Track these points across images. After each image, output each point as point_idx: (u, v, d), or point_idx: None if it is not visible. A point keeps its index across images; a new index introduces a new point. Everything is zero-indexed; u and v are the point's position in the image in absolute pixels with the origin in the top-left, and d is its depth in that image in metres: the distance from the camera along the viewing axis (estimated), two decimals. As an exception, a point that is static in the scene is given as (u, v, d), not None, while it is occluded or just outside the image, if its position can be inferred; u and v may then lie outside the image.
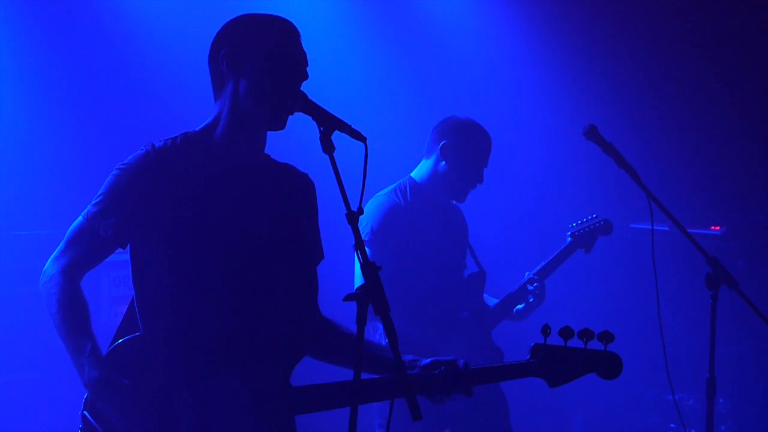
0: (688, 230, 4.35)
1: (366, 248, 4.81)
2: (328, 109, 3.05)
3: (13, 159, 6.30)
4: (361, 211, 2.92)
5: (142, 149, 3.27)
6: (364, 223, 4.96)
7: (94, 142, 6.46)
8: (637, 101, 7.56)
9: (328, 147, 2.98)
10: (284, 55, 3.27)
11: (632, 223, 6.41)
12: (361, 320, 2.84)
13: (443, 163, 5.08)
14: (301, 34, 3.35)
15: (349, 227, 2.90)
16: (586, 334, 3.30)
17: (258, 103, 3.24)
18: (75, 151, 6.43)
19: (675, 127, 7.53)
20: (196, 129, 3.34)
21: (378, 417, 5.13)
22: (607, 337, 3.32)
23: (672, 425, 6.85)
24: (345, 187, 2.93)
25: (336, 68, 7.15)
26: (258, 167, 3.37)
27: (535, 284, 5.28)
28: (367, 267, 2.87)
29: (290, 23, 3.36)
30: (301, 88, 3.19)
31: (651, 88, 7.54)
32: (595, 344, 3.34)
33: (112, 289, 5.89)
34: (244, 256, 3.28)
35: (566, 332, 3.30)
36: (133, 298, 3.31)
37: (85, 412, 3.18)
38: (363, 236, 4.90)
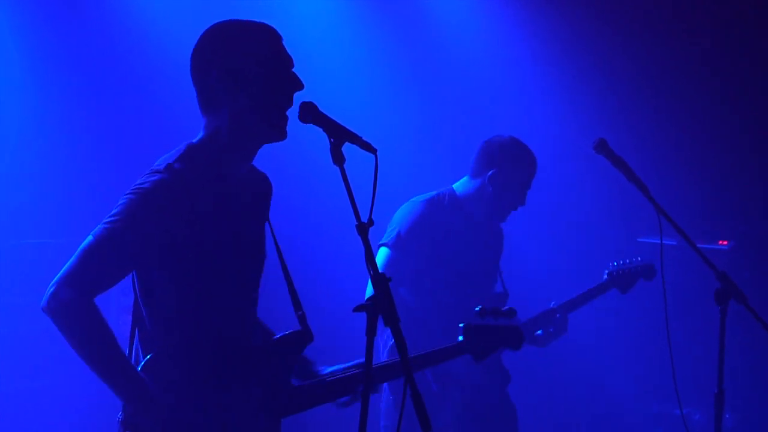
0: (697, 245, 4.35)
1: (389, 250, 4.90)
2: (337, 120, 3.06)
3: (19, 167, 6.31)
4: (371, 222, 2.92)
5: (162, 173, 3.18)
6: (393, 225, 4.99)
7: (102, 151, 6.47)
8: (645, 115, 7.55)
9: (338, 158, 2.99)
10: (277, 64, 3.29)
11: (639, 237, 6.41)
12: (371, 331, 2.85)
13: (490, 189, 5.08)
14: (293, 37, 3.39)
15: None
16: (495, 312, 3.88)
17: (260, 117, 3.25)
18: (81, 161, 6.44)
19: (681, 141, 7.53)
20: (196, 141, 3.31)
21: (383, 418, 5.12)
22: (511, 312, 3.92)
23: (677, 440, 6.83)
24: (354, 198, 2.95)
25: (342, 75, 7.16)
26: (250, 178, 3.42)
27: (557, 315, 5.30)
28: (378, 278, 2.87)
29: (273, 28, 3.36)
30: (310, 99, 3.15)
31: (660, 101, 7.54)
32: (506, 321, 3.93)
33: (121, 298, 5.86)
34: (249, 268, 3.36)
35: (482, 312, 3.88)
36: (140, 314, 3.28)
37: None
38: (388, 238, 4.93)
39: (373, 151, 3.00)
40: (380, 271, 4.82)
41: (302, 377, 3.52)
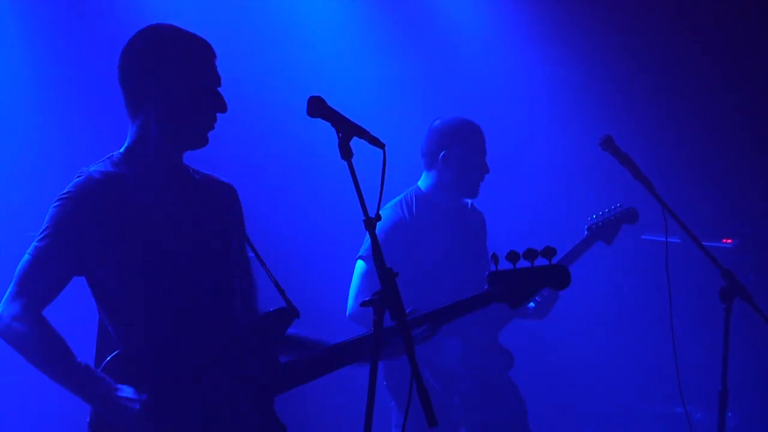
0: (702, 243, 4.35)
1: (363, 262, 4.92)
2: (345, 115, 3.05)
3: (29, 158, 6.32)
4: (378, 217, 2.92)
5: (79, 177, 3.26)
6: (368, 237, 4.98)
7: (105, 145, 6.46)
8: (650, 113, 7.55)
9: (346, 153, 2.99)
10: (195, 80, 3.30)
11: (643, 234, 6.40)
12: (378, 326, 2.85)
13: (448, 172, 5.10)
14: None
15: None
16: (530, 254, 3.44)
17: (171, 129, 3.31)
18: (87, 153, 6.42)
19: (686, 139, 7.52)
20: (120, 151, 3.36)
21: (395, 417, 5.12)
22: (549, 251, 3.44)
23: (679, 438, 6.83)
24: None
25: (349, 71, 7.16)
26: (184, 180, 3.41)
27: None
28: (384, 273, 2.88)
29: (204, 43, 3.38)
30: (319, 93, 3.14)
31: (665, 100, 7.53)
32: (541, 261, 3.49)
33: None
34: (197, 260, 3.32)
35: (513, 256, 3.44)
36: (101, 318, 3.31)
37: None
38: (363, 251, 4.96)
39: (381, 146, 3.00)
40: (357, 283, 4.89)
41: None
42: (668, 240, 4.42)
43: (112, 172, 3.28)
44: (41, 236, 3.18)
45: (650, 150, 6.76)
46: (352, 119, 3.04)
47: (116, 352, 3.21)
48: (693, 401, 6.34)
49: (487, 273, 3.54)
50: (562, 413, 7.18)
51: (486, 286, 3.54)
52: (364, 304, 2.93)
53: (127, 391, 3.11)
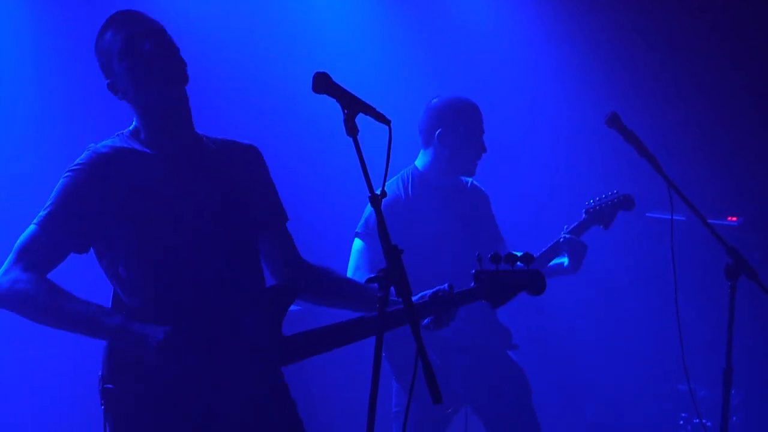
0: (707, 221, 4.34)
1: (359, 239, 4.93)
2: (351, 91, 3.05)
3: (37, 136, 6.32)
4: (384, 193, 2.93)
5: (87, 151, 3.31)
6: (364, 215, 5.02)
7: (117, 124, 6.47)
8: (655, 90, 7.52)
9: (351, 130, 2.98)
10: (132, 49, 3.32)
11: (648, 212, 6.39)
12: (383, 303, 2.86)
13: (444, 149, 5.10)
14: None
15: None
16: (510, 258, 3.60)
17: (142, 102, 3.36)
18: (104, 130, 6.42)
19: (691, 117, 7.50)
20: (130, 128, 3.43)
21: (396, 399, 5.14)
22: (527, 258, 3.62)
23: (683, 415, 6.84)
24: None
25: (354, 48, 7.14)
26: (193, 150, 3.43)
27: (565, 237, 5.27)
28: (389, 249, 2.88)
29: (128, 11, 3.43)
30: (325, 70, 3.11)
31: (670, 77, 7.51)
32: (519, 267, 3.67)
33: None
34: (207, 228, 3.34)
35: (496, 258, 3.58)
36: (114, 290, 3.34)
37: (107, 386, 3.19)
38: (359, 228, 4.97)
39: (387, 122, 3.00)
40: (354, 260, 4.90)
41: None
42: (673, 218, 4.42)
43: (120, 146, 3.33)
44: (47, 206, 3.23)
45: (656, 127, 6.74)
46: (357, 95, 3.03)
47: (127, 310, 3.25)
48: (697, 379, 6.37)
49: (473, 271, 3.67)
50: (565, 390, 7.20)
51: (472, 284, 3.67)
52: (370, 280, 2.94)
53: (146, 327, 3.13)
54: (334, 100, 3.04)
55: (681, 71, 7.49)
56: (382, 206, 4.84)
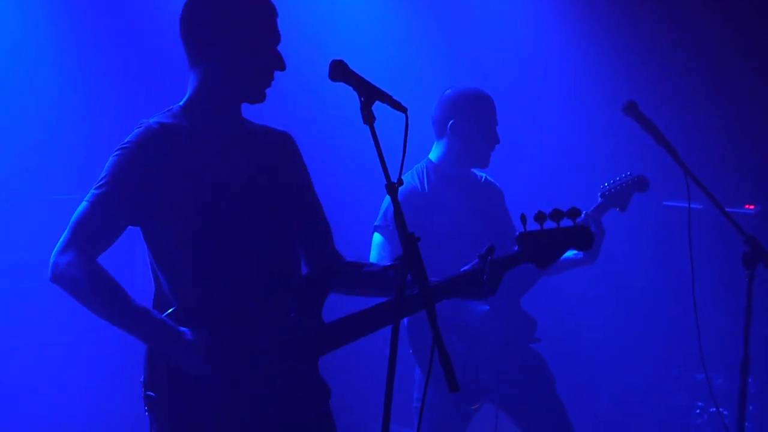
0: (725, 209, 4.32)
1: (378, 233, 4.92)
2: (368, 79, 3.04)
3: (50, 122, 6.34)
4: (401, 182, 2.92)
5: (138, 129, 3.29)
6: (381, 208, 5.01)
7: (135, 105, 6.48)
8: (672, 79, 7.50)
9: (368, 118, 2.97)
10: (262, 36, 3.31)
11: (666, 200, 6.38)
12: (400, 290, 2.85)
13: (457, 140, 5.08)
14: (277, 11, 3.37)
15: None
16: (556, 215, 3.46)
17: (230, 84, 3.32)
18: (116, 114, 6.45)
19: (708, 104, 7.48)
20: (180, 103, 3.40)
21: (417, 392, 5.13)
22: (574, 212, 3.48)
23: (700, 404, 6.83)
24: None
25: (371, 44, 7.13)
26: (241, 132, 3.42)
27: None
28: (406, 238, 2.88)
29: (270, 2, 3.38)
30: (341, 58, 3.13)
31: (687, 66, 7.48)
32: (566, 222, 3.54)
33: (145, 256, 5.90)
34: (252, 214, 3.34)
35: (540, 216, 3.46)
36: (155, 273, 3.34)
37: (148, 393, 3.21)
38: (378, 221, 4.96)
39: (403, 110, 2.99)
40: (375, 253, 4.89)
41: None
42: (691, 206, 4.41)
43: (171, 123, 3.31)
44: (98, 185, 3.21)
45: (673, 116, 6.73)
46: (374, 83, 3.02)
47: (170, 309, 3.24)
48: (714, 368, 6.34)
49: (517, 233, 3.57)
50: (580, 379, 7.19)
51: (516, 247, 3.57)
52: (386, 269, 2.94)
53: (190, 334, 3.15)
54: (351, 88, 3.03)
55: (697, 58, 7.46)
56: (399, 198, 4.91)
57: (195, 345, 3.13)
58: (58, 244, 3.19)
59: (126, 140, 3.27)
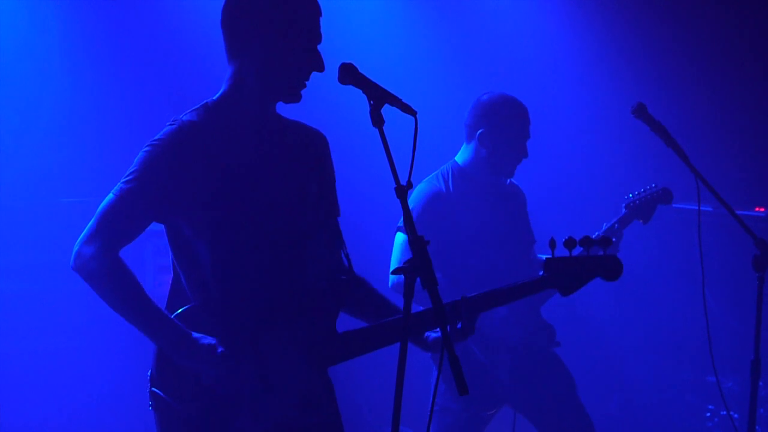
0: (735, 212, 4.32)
1: (402, 234, 4.90)
2: (377, 82, 3.04)
3: (62, 125, 6.35)
4: (410, 185, 2.91)
5: (171, 125, 3.27)
6: None
7: (145, 109, 6.51)
8: (682, 81, 7.49)
9: (377, 120, 2.97)
10: (304, 35, 3.28)
11: (675, 203, 6.37)
12: (409, 294, 2.85)
13: (484, 149, 5.04)
14: (321, 11, 3.34)
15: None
16: (586, 242, 3.49)
17: (267, 81, 3.29)
18: (125, 118, 6.47)
19: (718, 107, 7.47)
20: (215, 98, 3.37)
21: (449, 399, 5.06)
22: (605, 242, 3.50)
23: (710, 407, 6.82)
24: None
25: (382, 44, 7.14)
26: (276, 128, 3.40)
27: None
28: (416, 241, 2.87)
29: (315, 1, 3.35)
30: (351, 61, 3.12)
31: (697, 67, 7.47)
32: (595, 250, 3.55)
33: (155, 259, 5.93)
34: (279, 216, 3.32)
35: (570, 243, 3.48)
36: (175, 270, 3.34)
37: (153, 389, 3.21)
38: (401, 221, 4.94)
39: (413, 113, 2.99)
40: (398, 254, 4.88)
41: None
42: (701, 208, 4.40)
43: (204, 121, 3.28)
44: (127, 178, 3.20)
45: (682, 118, 6.72)
46: (383, 86, 3.02)
47: (187, 306, 3.24)
48: (725, 370, 6.33)
49: (544, 258, 3.57)
50: (591, 382, 7.18)
51: (541, 272, 3.56)
52: (395, 271, 2.93)
53: (202, 338, 3.15)
54: (360, 91, 3.03)
55: (707, 60, 7.45)
56: (424, 200, 4.95)
57: (206, 352, 3.14)
58: (83, 233, 3.20)
59: (158, 136, 3.25)
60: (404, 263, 2.88)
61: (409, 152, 2.92)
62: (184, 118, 3.28)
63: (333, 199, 3.56)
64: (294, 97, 3.34)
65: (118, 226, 3.19)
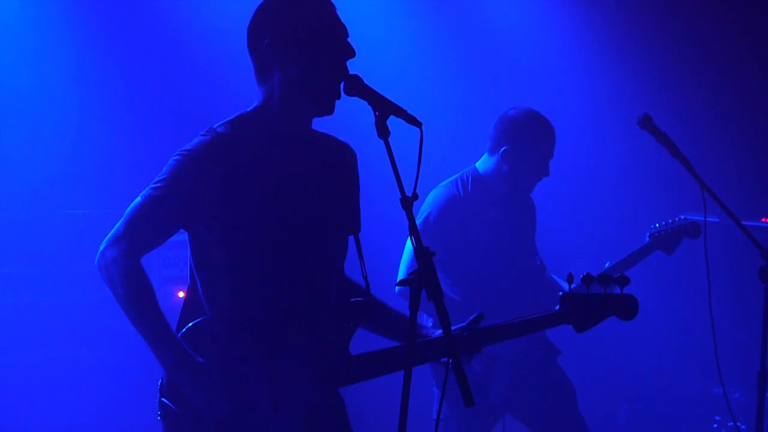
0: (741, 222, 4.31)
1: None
2: (383, 94, 3.04)
3: (67, 137, 6.36)
4: (416, 196, 2.91)
5: (203, 135, 3.27)
6: (422, 212, 5.01)
7: (149, 122, 6.52)
8: (687, 92, 7.49)
9: (383, 132, 2.97)
10: (328, 38, 3.27)
11: (682, 213, 6.37)
12: (414, 305, 2.84)
13: (505, 166, 5.03)
14: (341, 9, 3.34)
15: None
16: (604, 280, 3.49)
17: (306, 91, 3.27)
18: (129, 131, 6.48)
19: (724, 118, 7.47)
20: (249, 110, 3.36)
21: (447, 408, 5.05)
22: (623, 280, 3.49)
23: (717, 417, 6.80)
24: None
25: (387, 54, 7.15)
26: (307, 142, 3.39)
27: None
28: (421, 252, 2.86)
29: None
30: (356, 73, 3.15)
31: (702, 77, 7.47)
32: (613, 288, 3.54)
33: (162, 270, 5.93)
34: (306, 232, 3.31)
35: (588, 279, 3.50)
36: (193, 280, 3.34)
37: (163, 399, 3.21)
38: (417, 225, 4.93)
39: (418, 124, 2.98)
40: (406, 260, 4.88)
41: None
42: (707, 219, 4.40)
43: (235, 133, 3.28)
44: (155, 185, 3.22)
45: (689, 128, 6.72)
46: (389, 98, 3.03)
47: (201, 318, 3.24)
48: (732, 381, 6.32)
49: (560, 293, 3.56)
50: (599, 391, 7.17)
51: (557, 307, 3.56)
52: (400, 283, 2.92)
53: (203, 367, 3.14)
54: (366, 103, 3.03)
55: (713, 71, 7.45)
56: (439, 204, 4.95)
57: (201, 381, 3.13)
58: (111, 233, 3.23)
59: (189, 145, 3.26)
60: (409, 274, 2.87)
61: (414, 162, 2.92)
62: (217, 129, 3.29)
63: (355, 214, 3.55)
64: (328, 107, 3.31)
65: (142, 231, 3.22)
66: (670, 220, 5.40)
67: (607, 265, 5.30)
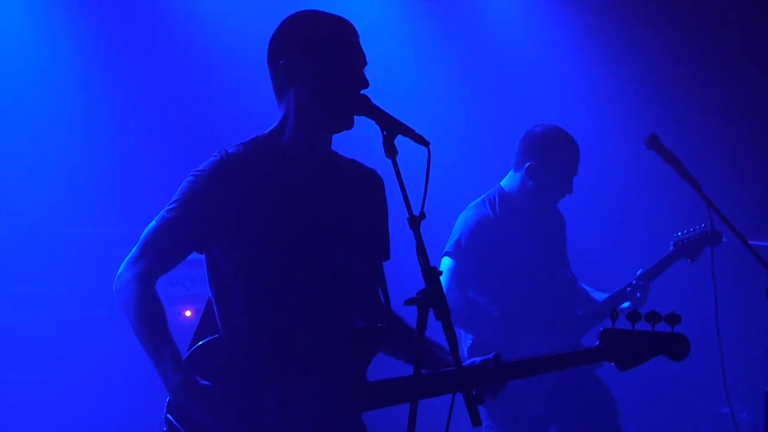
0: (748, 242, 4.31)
1: (451, 259, 4.91)
2: (390, 113, 3.04)
3: (75, 156, 6.38)
4: (423, 215, 2.90)
5: (216, 156, 3.27)
6: (454, 233, 5.04)
7: (156, 140, 6.53)
8: (695, 110, 7.49)
9: (390, 151, 2.96)
10: (344, 60, 3.25)
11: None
12: (422, 325, 2.83)
13: (530, 182, 5.06)
14: (359, 32, 3.33)
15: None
16: (653, 317, 3.31)
17: (322, 109, 3.25)
18: (136, 150, 6.49)
19: (731, 136, 7.47)
20: (265, 132, 3.35)
21: (486, 418, 5.02)
22: (674, 318, 3.33)
23: (725, 437, 6.78)
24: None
25: (393, 70, 7.16)
26: (326, 165, 3.37)
27: (641, 282, 5.24)
28: (428, 272, 2.85)
29: (348, 24, 3.33)
30: (363, 91, 3.17)
31: (710, 96, 7.47)
32: (662, 326, 3.37)
33: (169, 289, 5.93)
34: (319, 254, 3.29)
35: (634, 315, 3.30)
36: (209, 299, 3.34)
37: (168, 416, 3.21)
38: (449, 247, 4.96)
39: (426, 144, 2.97)
40: (446, 279, 4.87)
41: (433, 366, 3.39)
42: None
43: (250, 155, 3.27)
44: (170, 207, 3.24)
45: (695, 148, 6.71)
46: (396, 117, 3.03)
47: (214, 336, 3.24)
48: (740, 400, 6.30)
49: (602, 329, 3.43)
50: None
51: (597, 343, 3.44)
52: (408, 302, 2.90)
53: (208, 391, 3.12)
54: (373, 122, 3.04)
55: (720, 89, 7.45)
56: (471, 225, 4.97)
57: (209, 405, 3.11)
58: (127, 257, 3.25)
59: (202, 166, 3.26)
60: (417, 294, 2.87)
61: (422, 180, 2.92)
62: (230, 150, 3.28)
63: (382, 241, 3.51)
64: (347, 122, 3.28)
65: (158, 252, 3.23)
66: (692, 228, 5.41)
67: (639, 272, 5.29)
